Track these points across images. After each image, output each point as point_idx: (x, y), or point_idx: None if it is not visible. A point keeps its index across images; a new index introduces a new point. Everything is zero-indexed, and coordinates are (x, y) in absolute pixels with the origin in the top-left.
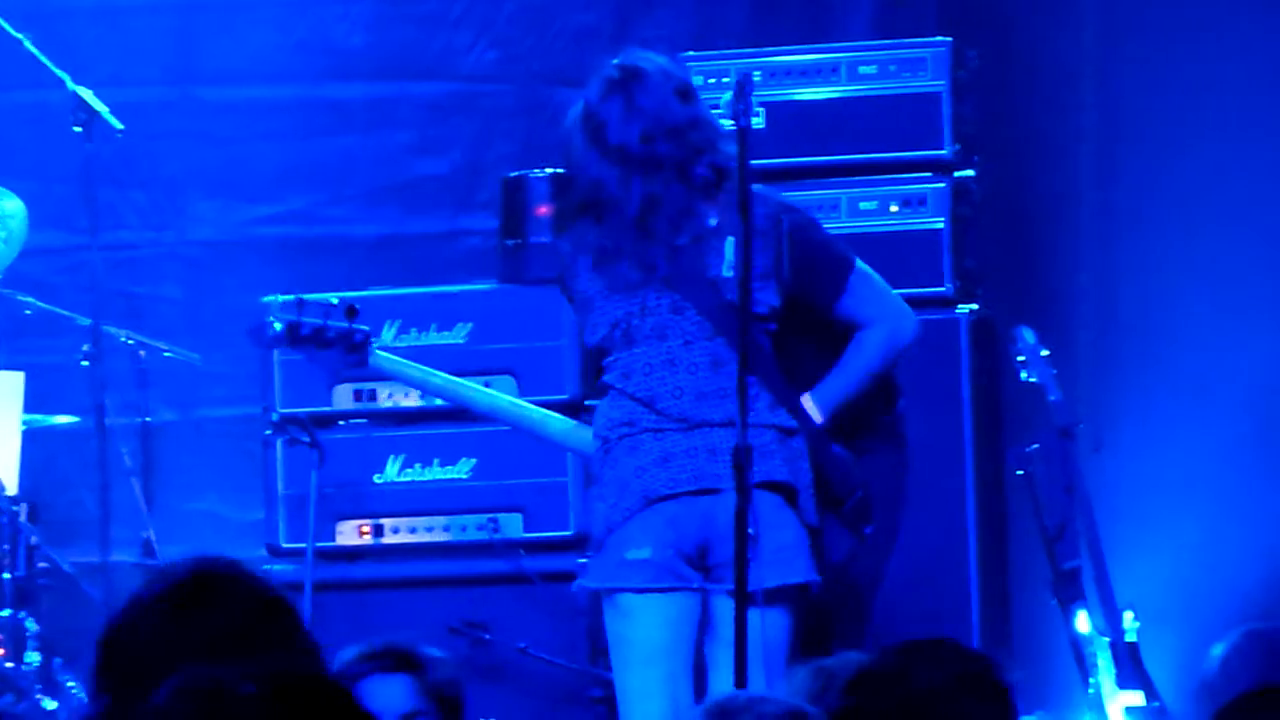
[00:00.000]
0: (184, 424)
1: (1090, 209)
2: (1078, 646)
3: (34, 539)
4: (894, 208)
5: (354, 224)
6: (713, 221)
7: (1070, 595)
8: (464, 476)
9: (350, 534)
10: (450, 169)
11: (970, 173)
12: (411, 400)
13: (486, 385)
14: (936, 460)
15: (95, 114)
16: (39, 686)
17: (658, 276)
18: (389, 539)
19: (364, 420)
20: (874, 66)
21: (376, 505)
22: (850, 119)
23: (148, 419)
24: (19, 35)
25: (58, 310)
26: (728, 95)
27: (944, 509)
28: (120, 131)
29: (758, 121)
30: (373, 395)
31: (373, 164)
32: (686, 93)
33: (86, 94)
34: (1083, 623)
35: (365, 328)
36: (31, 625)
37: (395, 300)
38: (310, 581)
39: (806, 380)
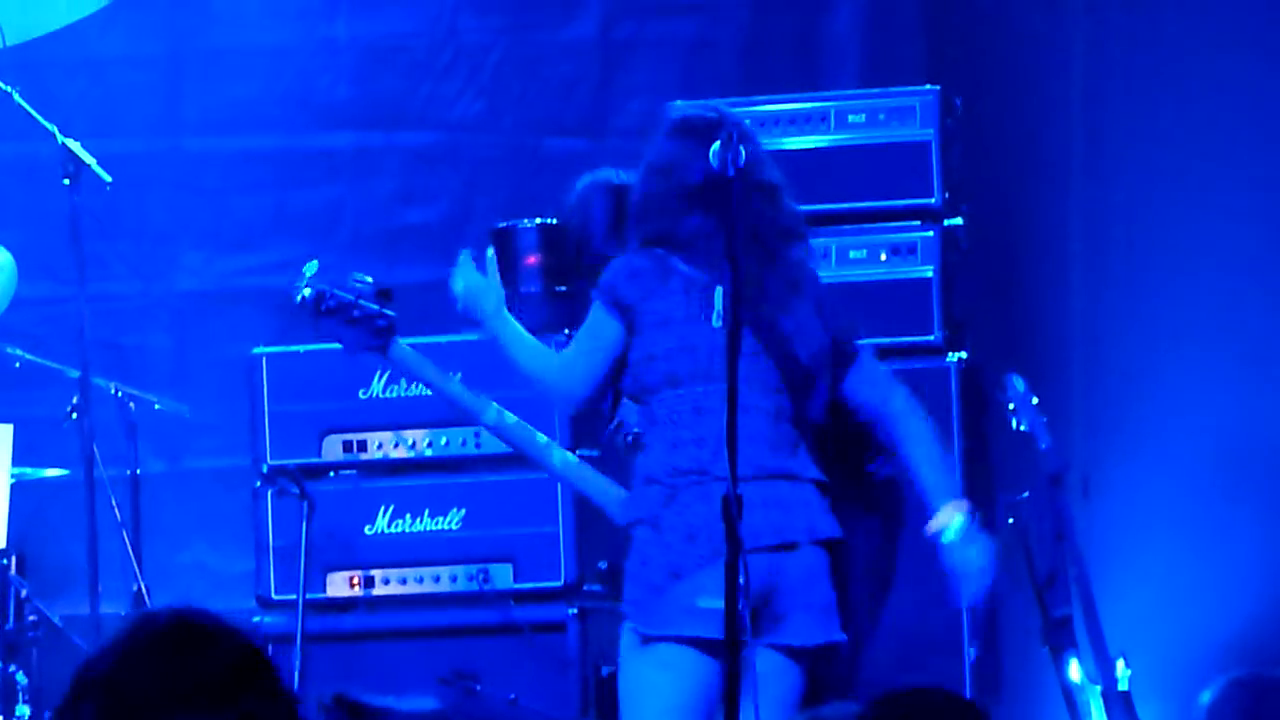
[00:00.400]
0: (173, 475)
1: (1078, 256)
2: (1070, 695)
3: (23, 591)
4: (883, 256)
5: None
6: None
7: (1062, 643)
8: (454, 527)
9: (341, 585)
10: (437, 218)
11: (959, 220)
12: (401, 451)
13: (476, 436)
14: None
15: (83, 166)
16: None
17: (749, 315)
18: (379, 590)
19: (354, 471)
20: (863, 115)
21: (367, 556)
22: (839, 167)
23: (137, 471)
24: (8, 88)
25: (46, 363)
26: (716, 144)
27: (935, 557)
28: (108, 183)
29: None
30: (363, 446)
31: (360, 214)
32: None
33: (75, 146)
34: (1075, 671)
35: (392, 314)
36: (21, 678)
37: None
38: (301, 633)
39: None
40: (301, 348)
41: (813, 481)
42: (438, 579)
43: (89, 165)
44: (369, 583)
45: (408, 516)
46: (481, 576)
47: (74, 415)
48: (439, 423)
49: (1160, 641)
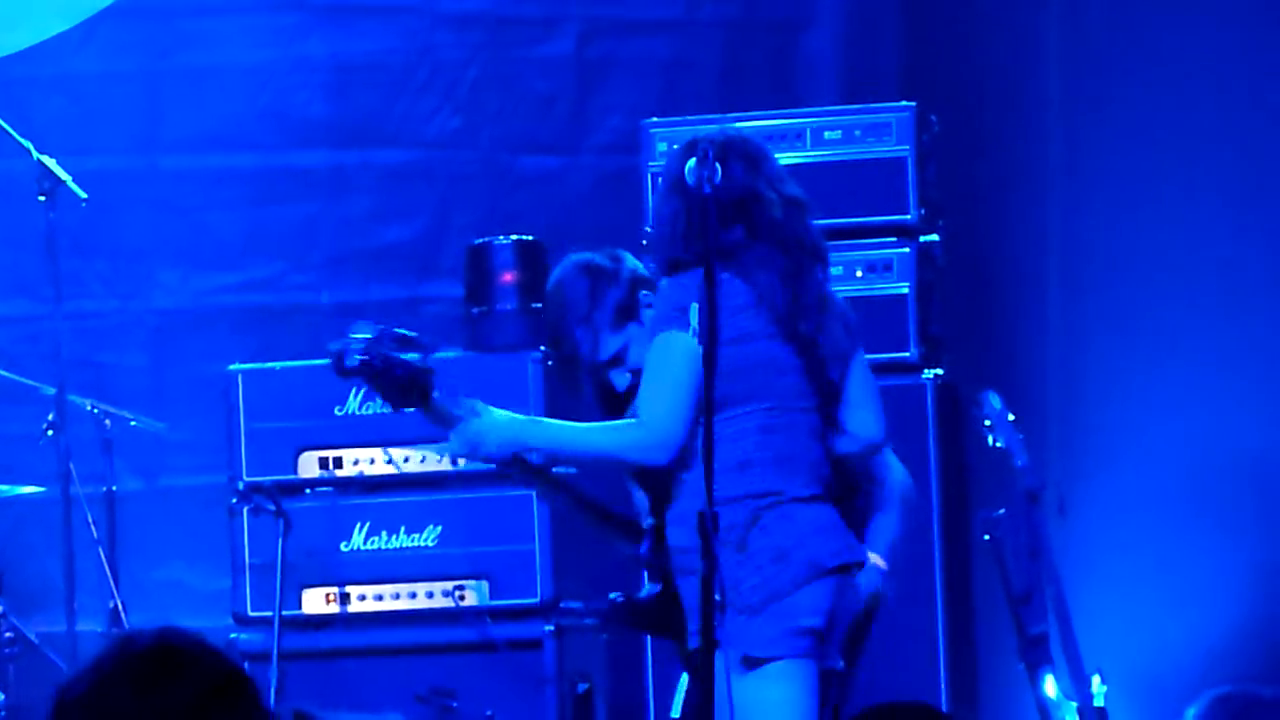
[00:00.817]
0: (149, 493)
1: (1055, 273)
2: (1045, 711)
3: None
4: (859, 273)
5: (318, 291)
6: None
7: (1037, 660)
8: (430, 544)
9: (317, 602)
10: (413, 236)
11: (935, 237)
12: (377, 468)
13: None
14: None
15: (59, 183)
16: None
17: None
18: (355, 607)
19: (330, 488)
20: (839, 131)
21: (343, 573)
22: (815, 184)
23: (113, 488)
24: None
25: (22, 380)
26: (692, 162)
27: (911, 574)
28: (84, 200)
29: None
30: (338, 463)
31: (336, 231)
32: None
33: (50, 163)
34: (1050, 687)
35: (433, 369)
36: None
37: None
38: (277, 650)
39: None
40: (277, 365)
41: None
42: (414, 596)
43: (65, 182)
44: (345, 599)
45: (384, 533)
46: (457, 593)
47: (50, 432)
48: (414, 440)
49: (1136, 658)
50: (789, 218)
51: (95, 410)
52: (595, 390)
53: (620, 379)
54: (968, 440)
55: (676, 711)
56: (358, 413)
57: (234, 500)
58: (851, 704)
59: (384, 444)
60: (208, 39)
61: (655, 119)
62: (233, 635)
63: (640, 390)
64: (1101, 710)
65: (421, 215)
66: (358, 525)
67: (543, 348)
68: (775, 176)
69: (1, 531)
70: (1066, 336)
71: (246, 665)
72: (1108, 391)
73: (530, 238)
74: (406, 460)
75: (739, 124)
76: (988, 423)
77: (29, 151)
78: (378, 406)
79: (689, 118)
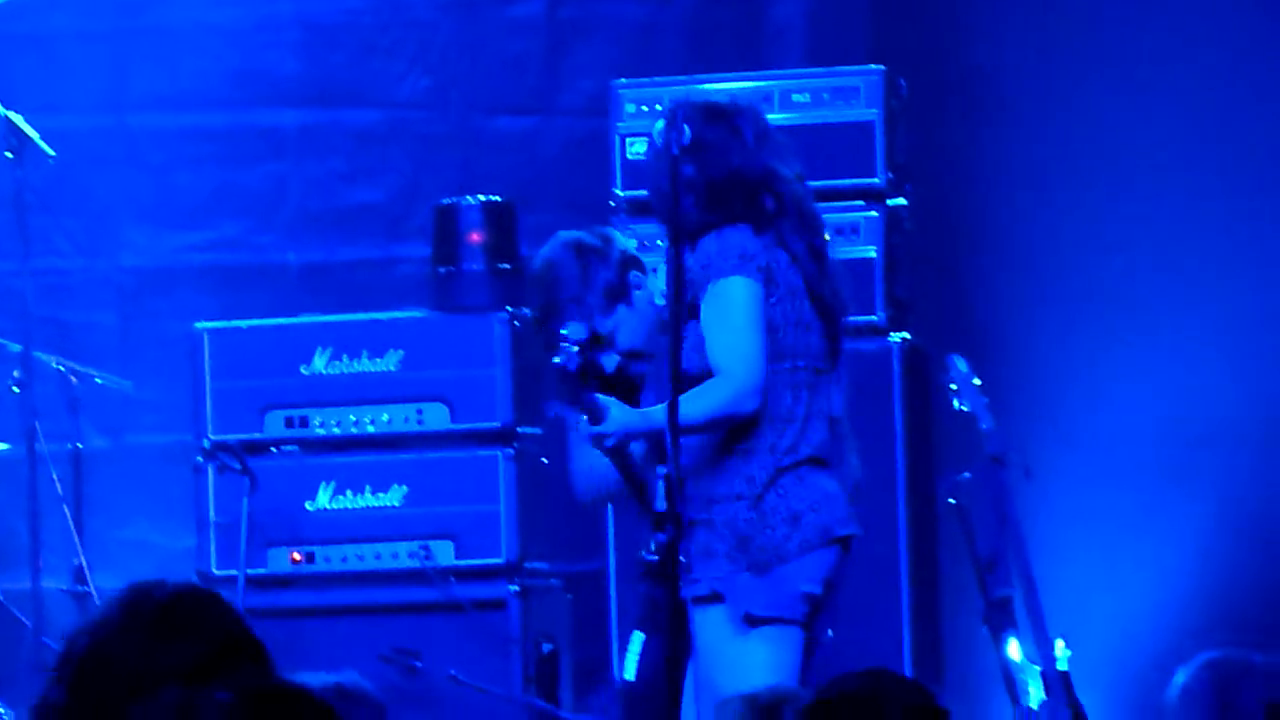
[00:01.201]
0: (115, 451)
1: (1022, 238)
2: (1009, 675)
3: None
4: (826, 236)
5: (286, 250)
6: None
7: (1002, 623)
8: (396, 504)
9: (282, 561)
10: (383, 196)
11: (902, 201)
12: (343, 427)
13: (419, 413)
14: (869, 489)
15: (27, 140)
16: None
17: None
18: (321, 566)
19: (296, 447)
20: (807, 95)
21: (308, 532)
22: None
23: (79, 445)
24: None
25: None
26: (660, 123)
27: (876, 537)
28: (52, 158)
29: None
30: (305, 422)
31: (305, 191)
32: None
33: (18, 120)
34: (1014, 651)
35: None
36: None
37: (327, 327)
38: (242, 608)
39: None
40: (244, 323)
41: None
42: (379, 556)
43: (33, 140)
44: (310, 559)
45: (349, 493)
46: (423, 553)
47: (16, 389)
48: (382, 399)
49: (1100, 622)
50: (805, 192)
51: (61, 368)
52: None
53: (609, 361)
54: (934, 404)
55: (631, 673)
56: (324, 372)
57: (199, 458)
58: (815, 667)
59: (351, 403)
60: None
61: (624, 80)
62: None
63: (711, 343)
64: (1065, 674)
65: (391, 175)
66: (323, 484)
67: (509, 309)
68: (784, 149)
69: None
70: (1033, 301)
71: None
72: (1074, 356)
73: (498, 198)
74: None
75: (708, 86)
76: (954, 386)
77: None
78: (345, 365)
79: (658, 79)
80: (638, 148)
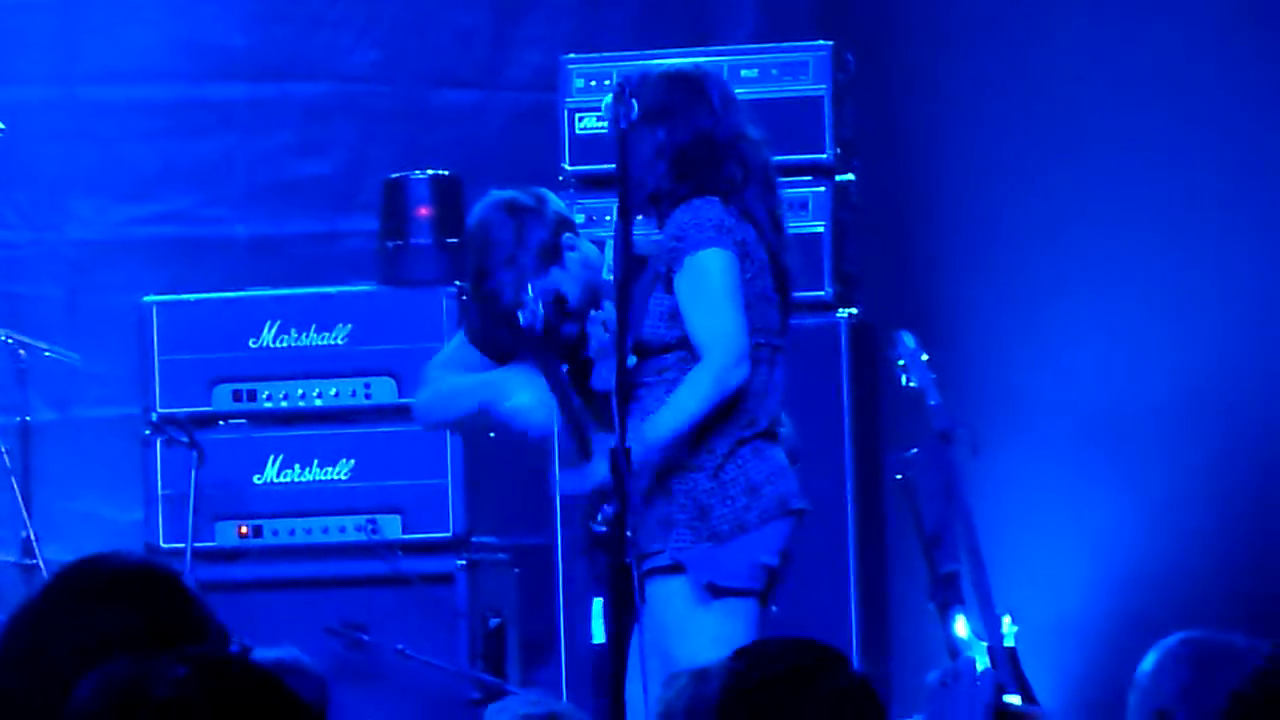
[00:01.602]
0: (63, 423)
1: (967, 213)
2: (956, 651)
3: None
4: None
5: (234, 224)
6: None
7: (949, 599)
8: (343, 478)
9: (229, 534)
10: (330, 170)
11: (851, 176)
12: (290, 401)
13: (366, 387)
14: (816, 464)
15: None
16: None
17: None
18: (268, 539)
19: (243, 420)
20: (755, 70)
21: (255, 506)
22: None
23: (27, 418)
24: None
25: None
26: (608, 98)
27: (823, 513)
28: (1, 130)
29: None
30: (252, 395)
31: (253, 164)
32: None
33: None
34: (961, 627)
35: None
36: None
37: (275, 301)
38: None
39: None
40: (192, 297)
41: None
42: (326, 529)
43: None
44: (257, 532)
45: (297, 466)
46: (370, 527)
47: None
48: (329, 373)
49: (1046, 598)
50: (768, 158)
51: (9, 340)
52: (504, 332)
53: (571, 328)
54: (882, 380)
55: (599, 637)
56: (272, 346)
57: (147, 432)
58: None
59: (299, 377)
60: None
61: (574, 55)
62: None
63: (690, 317)
64: (1012, 650)
65: (339, 149)
66: (271, 458)
67: (458, 283)
68: (749, 115)
69: None
70: (981, 277)
71: None
72: (1022, 333)
73: (446, 172)
74: None
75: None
76: (901, 362)
77: None
78: (292, 339)
79: (608, 55)
80: (587, 122)
